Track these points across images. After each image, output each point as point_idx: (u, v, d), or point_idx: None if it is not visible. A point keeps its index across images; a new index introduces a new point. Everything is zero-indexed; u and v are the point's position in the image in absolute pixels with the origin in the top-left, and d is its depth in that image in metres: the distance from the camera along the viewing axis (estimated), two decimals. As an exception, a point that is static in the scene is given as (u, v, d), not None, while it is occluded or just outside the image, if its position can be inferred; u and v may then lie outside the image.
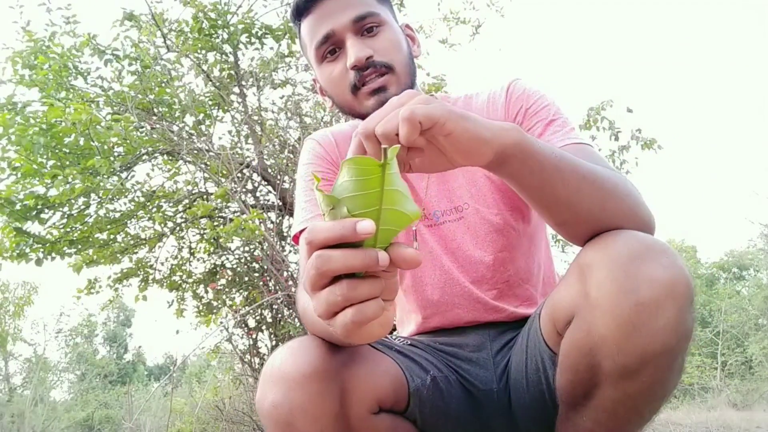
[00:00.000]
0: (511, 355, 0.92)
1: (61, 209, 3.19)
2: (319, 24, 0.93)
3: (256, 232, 2.41)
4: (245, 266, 3.52)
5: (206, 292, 3.65)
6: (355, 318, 0.48)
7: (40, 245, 3.18)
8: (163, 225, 3.48)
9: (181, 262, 3.75)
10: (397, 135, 0.57)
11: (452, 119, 0.57)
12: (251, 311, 3.29)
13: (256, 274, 3.43)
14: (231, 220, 2.56)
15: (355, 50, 0.89)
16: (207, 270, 3.68)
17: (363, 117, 0.95)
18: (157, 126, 3.10)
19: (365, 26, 0.91)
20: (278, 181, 3.23)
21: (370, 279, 0.49)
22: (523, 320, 0.96)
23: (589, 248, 0.69)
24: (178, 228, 3.61)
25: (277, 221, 3.38)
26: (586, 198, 0.68)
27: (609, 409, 0.68)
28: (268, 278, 3.29)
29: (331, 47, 0.93)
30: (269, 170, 3.37)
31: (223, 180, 2.95)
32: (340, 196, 0.48)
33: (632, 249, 0.64)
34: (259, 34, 3.40)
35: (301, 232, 0.95)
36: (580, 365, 0.68)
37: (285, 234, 3.39)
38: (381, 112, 0.59)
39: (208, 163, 3.10)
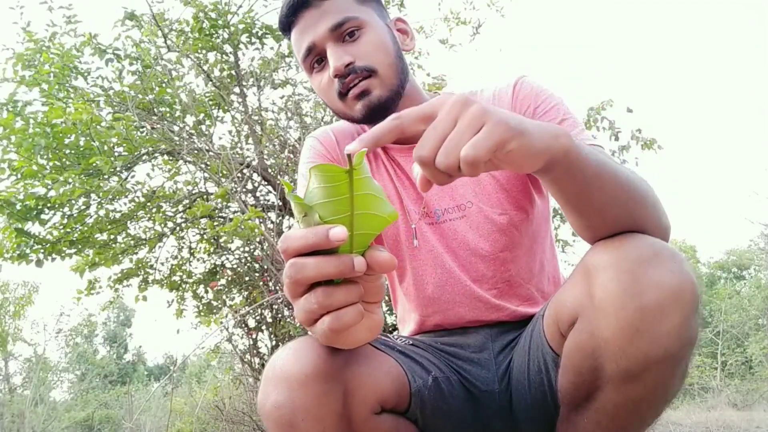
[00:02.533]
0: (513, 355, 0.92)
1: (61, 210, 3.19)
2: (301, 37, 0.95)
3: (255, 231, 2.40)
4: (245, 266, 3.52)
5: (206, 292, 3.65)
6: (332, 326, 0.48)
7: (40, 246, 3.18)
8: (163, 225, 3.48)
9: (181, 262, 3.75)
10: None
11: (514, 138, 0.54)
12: (251, 311, 3.29)
13: (257, 274, 3.42)
14: (231, 220, 2.56)
15: (333, 59, 0.91)
16: (207, 270, 3.68)
17: (355, 121, 0.97)
18: (158, 126, 3.10)
19: (345, 32, 0.92)
20: (278, 181, 3.22)
21: (346, 285, 0.49)
22: (524, 319, 0.96)
23: (596, 249, 0.68)
24: (178, 228, 3.61)
25: (277, 221, 3.38)
26: (620, 205, 0.67)
27: (610, 412, 0.68)
28: (268, 278, 3.29)
29: (316, 57, 0.95)
30: (269, 170, 3.37)
31: (223, 180, 2.95)
32: (311, 203, 0.48)
33: (640, 252, 0.64)
34: (259, 34, 3.40)
35: None
36: (583, 367, 0.68)
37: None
38: (434, 134, 0.54)
39: (209, 163, 3.10)
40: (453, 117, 0.54)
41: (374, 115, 0.93)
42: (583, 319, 0.68)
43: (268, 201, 3.56)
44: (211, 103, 3.46)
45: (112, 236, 3.51)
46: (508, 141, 0.53)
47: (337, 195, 0.48)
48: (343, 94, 0.93)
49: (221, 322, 3.49)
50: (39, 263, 3.22)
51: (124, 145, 3.01)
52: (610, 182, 0.66)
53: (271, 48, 3.50)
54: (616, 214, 0.68)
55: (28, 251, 3.16)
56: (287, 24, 0.97)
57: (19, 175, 3.03)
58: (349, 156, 0.47)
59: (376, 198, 0.49)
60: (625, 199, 0.67)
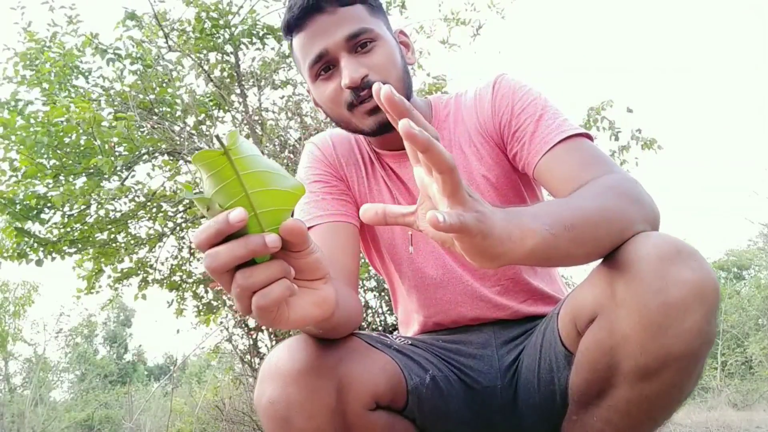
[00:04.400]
0: (523, 354, 0.92)
1: (61, 209, 3.19)
2: (311, 42, 0.92)
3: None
4: (245, 266, 3.52)
5: (206, 291, 3.65)
6: (258, 303, 0.49)
7: (40, 245, 3.18)
8: (163, 225, 3.48)
9: (181, 262, 3.75)
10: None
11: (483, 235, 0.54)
12: (251, 311, 3.28)
13: (257, 274, 3.42)
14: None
15: (349, 71, 0.89)
16: (207, 270, 3.67)
17: (359, 132, 0.96)
18: (158, 126, 3.11)
19: (359, 43, 0.91)
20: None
21: (266, 263, 0.49)
22: (526, 318, 0.96)
23: (617, 251, 0.68)
24: (178, 228, 3.61)
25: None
26: (603, 239, 0.67)
27: (622, 410, 0.68)
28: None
29: (324, 65, 0.92)
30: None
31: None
32: (209, 194, 0.49)
33: (661, 251, 0.64)
34: (260, 35, 3.40)
35: None
36: (599, 364, 0.68)
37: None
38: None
39: (209, 162, 3.09)
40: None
41: (384, 130, 0.92)
42: (603, 316, 0.68)
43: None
44: (211, 103, 3.47)
45: (112, 236, 3.52)
46: (476, 235, 0.55)
47: (224, 179, 0.48)
48: (353, 105, 0.91)
49: (221, 322, 3.49)
50: (39, 263, 3.22)
51: (125, 144, 3.02)
52: (585, 235, 0.65)
53: (272, 48, 3.51)
54: (605, 242, 0.68)
55: (28, 250, 3.16)
56: (295, 26, 0.93)
57: (20, 175, 3.03)
58: (217, 136, 0.48)
59: (269, 173, 0.49)
60: (605, 229, 0.67)
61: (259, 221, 0.50)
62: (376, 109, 0.91)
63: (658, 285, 0.62)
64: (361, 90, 0.90)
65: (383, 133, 0.93)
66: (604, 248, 0.68)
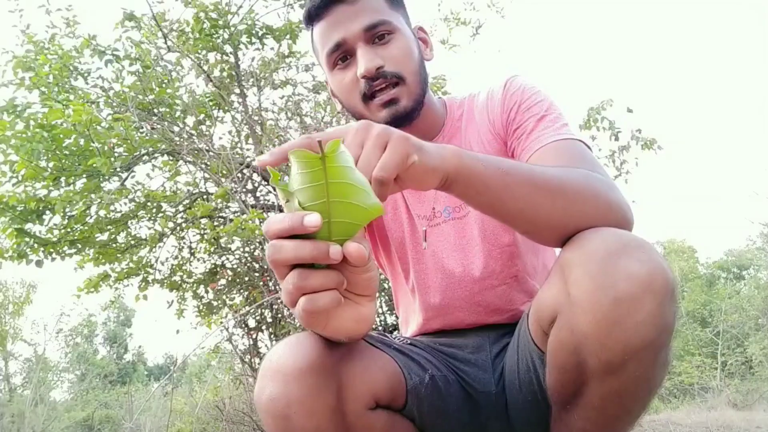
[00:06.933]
0: (506, 357, 0.92)
1: (62, 211, 3.19)
2: (330, 31, 0.93)
3: (256, 231, 2.41)
4: (245, 266, 3.52)
5: (206, 292, 3.65)
6: (305, 306, 0.50)
7: (40, 245, 3.18)
8: (163, 225, 3.48)
9: (181, 262, 3.75)
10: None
11: (415, 151, 0.60)
12: (251, 311, 3.29)
13: (257, 274, 3.42)
14: (231, 220, 2.56)
15: (365, 60, 0.90)
16: (207, 270, 3.67)
17: None
18: (158, 126, 3.10)
19: (377, 34, 0.92)
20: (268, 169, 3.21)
21: (324, 271, 0.51)
22: None
23: (567, 248, 0.70)
24: (178, 228, 3.61)
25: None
26: (543, 207, 0.69)
27: (598, 406, 0.68)
28: (268, 278, 3.29)
29: (342, 55, 0.94)
30: (270, 170, 3.36)
31: (223, 180, 2.95)
32: (292, 189, 0.50)
33: (608, 245, 0.65)
34: (259, 34, 3.40)
35: None
36: (567, 364, 0.69)
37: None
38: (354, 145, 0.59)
39: (209, 163, 3.10)
40: (359, 141, 0.59)
41: (397, 123, 0.93)
42: (562, 316, 0.68)
43: (269, 201, 3.56)
44: (211, 103, 3.47)
45: (112, 236, 3.51)
46: (411, 154, 0.59)
47: (313, 181, 0.50)
48: (367, 97, 0.93)
49: (221, 322, 3.49)
50: (39, 263, 3.21)
51: (124, 145, 3.01)
52: (523, 188, 0.68)
53: (272, 48, 3.50)
54: (545, 215, 0.69)
55: (27, 251, 3.16)
56: (316, 15, 0.95)
57: (19, 178, 3.03)
58: (320, 142, 0.48)
59: (354, 187, 0.50)
60: (548, 199, 0.69)
61: (330, 230, 0.50)
62: (389, 102, 0.92)
63: (607, 281, 0.63)
64: (376, 80, 0.91)
65: (396, 127, 0.94)
66: (542, 216, 0.69)
